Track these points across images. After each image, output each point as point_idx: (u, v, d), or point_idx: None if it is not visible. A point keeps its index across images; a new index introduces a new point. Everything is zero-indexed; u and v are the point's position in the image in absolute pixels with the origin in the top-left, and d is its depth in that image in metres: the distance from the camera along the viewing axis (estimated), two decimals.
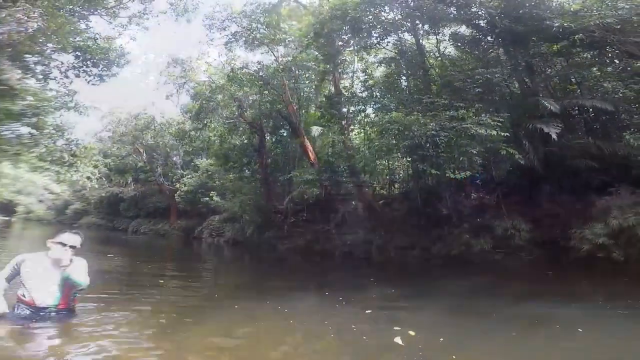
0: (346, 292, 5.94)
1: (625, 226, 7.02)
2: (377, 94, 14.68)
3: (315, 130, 18.24)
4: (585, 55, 10.60)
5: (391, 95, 13.09)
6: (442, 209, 10.59)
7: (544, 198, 9.60)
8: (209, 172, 26.62)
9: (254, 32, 16.26)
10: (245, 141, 22.18)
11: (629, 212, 7.23)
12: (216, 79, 20.64)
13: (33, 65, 13.77)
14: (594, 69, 10.72)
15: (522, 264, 8.83)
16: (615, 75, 9.71)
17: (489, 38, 11.77)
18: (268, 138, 20.94)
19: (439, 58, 13.04)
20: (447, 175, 8.42)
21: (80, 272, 3.14)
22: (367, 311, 4.78)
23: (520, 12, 10.07)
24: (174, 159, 32.20)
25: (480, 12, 11.09)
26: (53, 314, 3.07)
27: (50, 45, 12.63)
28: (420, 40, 12.99)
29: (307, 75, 19.18)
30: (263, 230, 19.60)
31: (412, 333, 3.65)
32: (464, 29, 12.85)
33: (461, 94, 10.32)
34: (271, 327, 3.96)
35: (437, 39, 12.94)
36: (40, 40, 10.68)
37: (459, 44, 12.65)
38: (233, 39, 17.00)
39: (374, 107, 15.44)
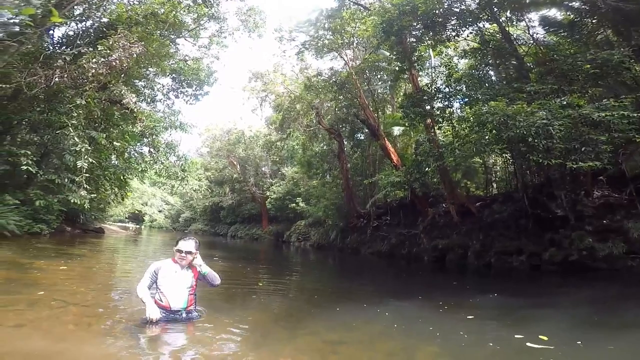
0: (443, 298, 5.52)
1: None
2: (464, 87, 13.59)
3: (397, 130, 17.73)
4: None
5: (480, 87, 11.89)
6: (555, 210, 9.19)
7: None
8: (294, 180, 28.11)
9: (322, 39, 16.59)
10: (325, 147, 22.79)
11: None
12: (293, 89, 21.76)
13: (142, 89, 16.29)
14: None
15: None
16: None
17: (591, 20, 10.40)
18: (346, 143, 21.17)
19: (533, 44, 11.66)
20: (568, 165, 7.19)
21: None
22: (469, 317, 4.41)
23: None
24: (263, 169, 34.99)
25: None
26: (184, 314, 3.42)
27: (151, 69, 14.80)
28: (506, 28, 11.95)
29: (379, 76, 18.86)
30: (346, 235, 19.77)
31: (544, 338, 3.23)
32: (553, 12, 11.58)
33: (569, 80, 9.03)
34: (378, 330, 3.87)
35: (527, 24, 11.79)
36: (143, 65, 12.41)
37: (555, 28, 11.46)
38: (303, 48, 17.55)
39: (461, 101, 14.32)
